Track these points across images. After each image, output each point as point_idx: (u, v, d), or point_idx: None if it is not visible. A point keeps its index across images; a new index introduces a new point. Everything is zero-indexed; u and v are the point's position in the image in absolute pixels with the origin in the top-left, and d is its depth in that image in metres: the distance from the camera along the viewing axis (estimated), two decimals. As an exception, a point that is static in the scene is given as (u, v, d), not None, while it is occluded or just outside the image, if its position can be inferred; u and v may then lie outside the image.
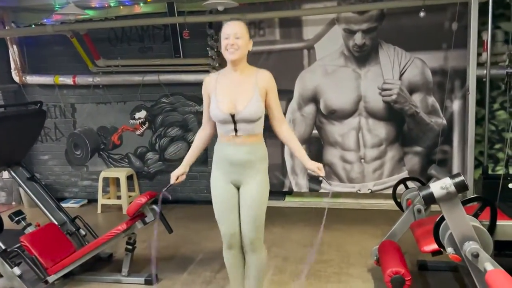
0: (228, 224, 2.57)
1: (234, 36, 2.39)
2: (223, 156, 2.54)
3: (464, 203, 1.97)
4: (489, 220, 2.06)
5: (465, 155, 3.30)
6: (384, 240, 3.13)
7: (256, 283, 2.68)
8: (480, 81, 4.32)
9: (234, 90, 2.47)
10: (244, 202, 2.53)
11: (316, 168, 2.51)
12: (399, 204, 3.38)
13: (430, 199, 1.86)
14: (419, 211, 3.06)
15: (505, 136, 4.58)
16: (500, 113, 4.60)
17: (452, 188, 1.83)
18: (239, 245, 2.61)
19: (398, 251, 2.92)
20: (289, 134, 2.60)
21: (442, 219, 2.01)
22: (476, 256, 1.81)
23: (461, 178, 1.84)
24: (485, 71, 4.12)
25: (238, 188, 2.57)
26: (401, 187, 3.44)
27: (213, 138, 2.71)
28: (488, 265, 1.76)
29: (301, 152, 2.57)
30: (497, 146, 4.59)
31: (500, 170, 4.15)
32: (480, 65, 4.38)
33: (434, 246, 2.57)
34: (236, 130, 2.47)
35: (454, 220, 1.85)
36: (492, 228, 2.04)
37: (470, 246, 1.82)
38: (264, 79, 2.49)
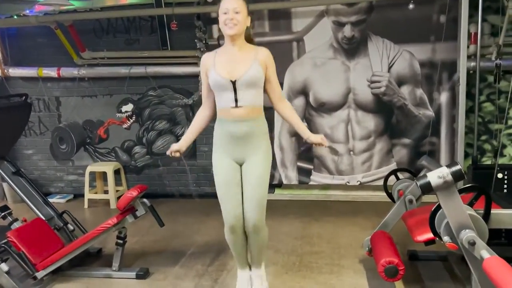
0: (232, 205, 2.53)
1: (233, 10, 2.36)
2: (224, 133, 2.51)
3: (460, 192, 1.99)
4: (484, 209, 2.08)
5: (455, 146, 3.34)
6: (376, 231, 3.15)
7: (258, 257, 2.75)
8: (467, 73, 4.38)
9: (233, 62, 2.44)
10: (247, 180, 2.51)
11: (320, 139, 2.53)
12: (390, 195, 3.41)
13: (427, 188, 1.87)
14: (410, 201, 3.08)
15: (491, 128, 4.66)
16: (487, 105, 4.66)
17: (449, 177, 1.84)
18: (242, 227, 2.59)
19: (391, 241, 2.94)
20: (289, 109, 2.61)
21: (438, 208, 2.03)
22: (472, 244, 1.83)
23: (458, 167, 1.86)
24: (472, 64, 4.18)
25: (241, 166, 2.55)
26: (391, 178, 3.46)
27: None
28: (485, 252, 1.78)
29: (302, 127, 2.59)
30: (484, 137, 4.66)
31: (488, 161, 4.22)
32: (467, 57, 4.44)
33: (428, 236, 2.60)
34: (236, 101, 2.42)
35: (451, 209, 1.87)
36: (486, 217, 2.07)
37: (467, 234, 1.84)
38: (264, 54, 2.48)
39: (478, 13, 4.14)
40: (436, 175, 1.85)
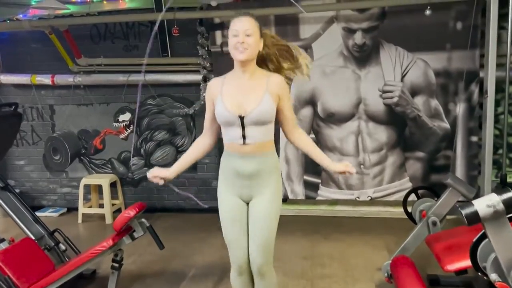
0: (239, 246, 2.28)
1: (244, 33, 2.12)
2: (230, 169, 2.27)
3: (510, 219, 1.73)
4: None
5: (484, 162, 3.08)
6: (397, 256, 2.88)
7: None
8: (483, 83, 4.16)
9: (242, 92, 2.19)
10: (253, 220, 2.26)
11: (344, 167, 2.27)
12: (410, 215, 3.15)
13: (474, 219, 1.61)
14: (434, 223, 2.83)
15: (510, 141, 4.41)
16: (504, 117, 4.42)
17: (501, 206, 1.59)
18: (249, 271, 2.32)
19: (414, 269, 2.67)
20: (306, 139, 2.34)
21: (482, 238, 1.77)
22: (527, 284, 1.57)
23: (511, 194, 1.61)
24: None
25: (248, 203, 2.30)
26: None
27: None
28: (542, 295, 1.52)
29: (322, 157, 2.32)
30: (501, 151, 4.41)
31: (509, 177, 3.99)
32: (483, 66, 4.21)
33: (459, 265, 2.35)
34: (244, 138, 2.19)
35: (501, 243, 1.61)
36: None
37: (520, 273, 1.59)
38: (276, 83, 2.22)
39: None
40: (485, 204, 1.60)
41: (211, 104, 2.28)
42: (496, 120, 4.37)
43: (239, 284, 2.37)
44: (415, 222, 3.08)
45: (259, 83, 2.20)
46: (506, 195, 1.61)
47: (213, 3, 3.85)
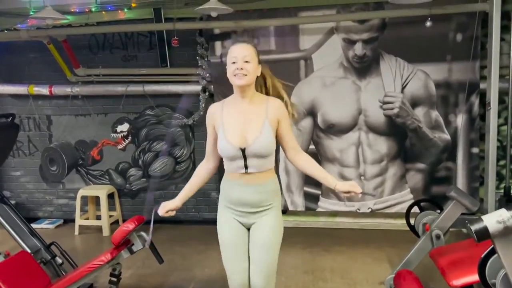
0: (237, 274, 2.24)
1: (243, 59, 2.12)
2: (232, 196, 2.25)
3: None
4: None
5: (487, 173, 3.06)
6: (401, 270, 2.83)
7: None
8: (483, 95, 4.16)
9: (243, 121, 2.18)
10: (254, 246, 2.22)
11: (349, 186, 2.20)
12: (412, 228, 3.10)
13: (484, 235, 1.57)
14: (437, 237, 2.80)
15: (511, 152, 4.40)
16: (505, 128, 4.41)
17: (511, 222, 1.56)
18: None
19: (418, 284, 2.62)
20: (308, 160, 2.29)
21: (490, 254, 1.74)
22: (539, 303, 1.53)
23: (521, 210, 1.57)
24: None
25: (248, 229, 2.26)
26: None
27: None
28: (554, 313, 1.48)
29: (326, 177, 2.26)
30: (502, 162, 4.39)
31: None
32: (483, 78, 4.21)
33: (465, 280, 2.31)
34: (246, 167, 2.18)
35: (511, 259, 1.58)
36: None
37: (531, 291, 1.55)
38: (275, 108, 2.20)
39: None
40: (495, 219, 1.56)
41: (212, 129, 2.27)
42: (497, 132, 4.38)
43: None
44: (418, 235, 3.04)
45: (258, 107, 2.20)
46: (516, 211, 1.58)
47: (213, 14, 3.83)
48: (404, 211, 3.43)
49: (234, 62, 2.14)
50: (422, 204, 3.15)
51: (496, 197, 3.38)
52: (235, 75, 2.14)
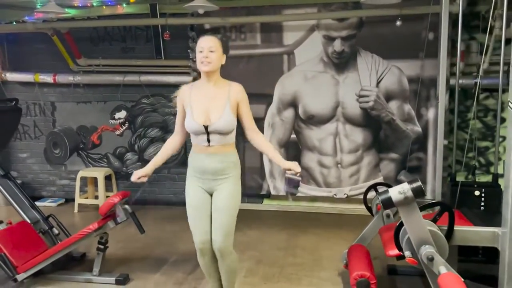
0: (200, 232, 2.61)
1: (208, 49, 2.48)
2: (197, 165, 2.61)
3: (424, 208, 2.02)
4: (448, 225, 2.11)
5: (439, 162, 3.37)
6: (354, 244, 3.17)
7: (229, 283, 2.76)
8: (454, 90, 4.44)
9: (207, 101, 2.54)
10: (214, 209, 2.60)
11: (294, 165, 2.56)
12: (369, 209, 3.44)
13: (388, 203, 1.90)
14: (388, 216, 3.11)
15: (478, 145, 4.69)
16: (474, 121, 4.69)
17: (410, 193, 1.88)
18: (211, 252, 2.65)
19: (366, 255, 2.97)
20: (262, 141, 2.67)
21: (402, 224, 2.06)
22: (431, 259, 1.86)
23: (419, 183, 1.89)
24: (461, 81, 4.26)
25: (211, 194, 2.63)
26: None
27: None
28: (442, 268, 1.81)
29: (277, 157, 2.64)
30: (470, 154, 4.68)
31: (476, 178, 4.27)
32: (453, 74, 4.49)
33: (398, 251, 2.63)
34: (209, 141, 2.54)
35: (412, 225, 1.90)
36: (449, 233, 2.09)
37: (426, 250, 1.87)
38: (236, 92, 2.58)
39: (467, 32, 4.23)
40: (397, 191, 1.89)
41: (182, 108, 2.64)
42: (466, 125, 4.67)
43: (203, 264, 2.73)
44: (373, 215, 3.36)
45: (221, 91, 2.56)
46: (415, 184, 1.91)
47: (200, 11, 4.16)
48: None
49: (201, 52, 2.50)
50: (378, 187, 3.47)
51: (446, 185, 3.71)
52: (201, 62, 2.50)
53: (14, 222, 3.58)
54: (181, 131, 2.71)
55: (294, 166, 2.53)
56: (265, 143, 2.67)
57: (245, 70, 4.83)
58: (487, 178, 4.57)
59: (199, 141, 2.58)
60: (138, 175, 2.67)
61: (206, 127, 2.51)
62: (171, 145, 2.75)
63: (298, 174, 2.54)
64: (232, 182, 2.62)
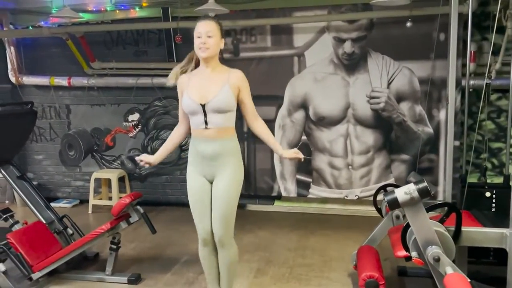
0: (202, 220, 2.62)
1: (206, 34, 2.45)
2: (196, 151, 2.60)
3: (432, 208, 2.03)
4: (455, 226, 2.11)
5: (448, 163, 3.36)
6: (363, 245, 3.18)
7: (227, 279, 2.75)
8: (465, 91, 4.41)
9: (205, 84, 2.52)
10: (214, 197, 2.59)
11: (294, 153, 2.57)
12: (379, 210, 3.43)
13: (394, 204, 1.91)
14: (397, 217, 3.11)
15: (491, 146, 4.65)
16: (487, 123, 4.66)
17: (416, 194, 1.88)
18: (212, 243, 2.66)
19: (375, 256, 2.97)
20: (262, 127, 2.65)
21: (409, 225, 2.07)
22: (437, 260, 1.86)
23: (425, 184, 1.90)
24: (472, 82, 4.24)
25: (211, 182, 2.62)
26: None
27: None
28: (449, 269, 1.82)
29: (275, 144, 2.65)
30: (483, 156, 4.65)
31: (489, 180, 4.24)
32: (465, 75, 4.46)
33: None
34: (206, 123, 2.51)
35: (418, 225, 1.91)
36: (457, 234, 2.09)
37: (432, 251, 1.88)
38: (236, 77, 2.54)
39: (479, 32, 4.20)
40: (403, 191, 1.90)
41: (181, 95, 2.62)
42: (480, 126, 4.63)
43: (203, 255, 2.74)
44: (383, 216, 3.36)
45: (220, 77, 2.53)
46: (421, 185, 1.92)
47: (211, 14, 4.20)
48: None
49: (199, 37, 2.47)
50: (388, 188, 3.46)
51: (456, 186, 3.69)
52: (199, 48, 2.48)
53: (30, 222, 3.67)
54: (184, 120, 2.69)
55: (295, 154, 2.54)
56: (265, 130, 2.65)
57: (256, 72, 4.87)
58: (500, 180, 4.52)
59: (196, 123, 2.54)
60: (143, 158, 2.71)
61: (203, 106, 2.47)
62: (175, 134, 2.76)
63: (302, 159, 2.54)
64: (233, 170, 2.58)
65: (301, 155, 2.55)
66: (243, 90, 2.56)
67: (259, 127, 2.65)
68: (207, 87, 2.51)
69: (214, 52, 2.50)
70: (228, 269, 2.72)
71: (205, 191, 2.61)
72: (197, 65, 2.63)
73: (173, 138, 2.77)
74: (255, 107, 2.65)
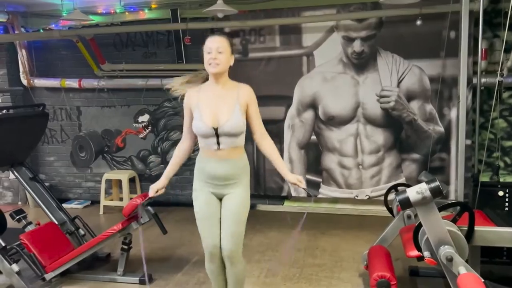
0: (209, 237, 2.57)
1: (216, 50, 2.41)
2: (206, 171, 2.54)
3: (444, 208, 2.01)
4: (468, 226, 2.09)
5: (461, 162, 3.35)
6: (374, 245, 3.16)
7: None
8: (476, 89, 4.36)
9: (216, 103, 2.48)
10: (224, 216, 2.55)
11: (296, 180, 2.53)
12: (390, 210, 3.41)
13: (406, 203, 1.90)
14: (409, 216, 3.09)
15: (504, 145, 4.60)
16: (499, 121, 4.61)
17: (428, 193, 1.87)
18: (220, 258, 2.61)
19: (386, 256, 2.95)
20: (270, 147, 2.60)
21: (421, 224, 2.06)
22: (450, 260, 1.85)
23: (437, 183, 1.88)
24: (483, 80, 4.20)
25: (220, 199, 2.59)
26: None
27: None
28: (462, 269, 1.80)
29: (282, 166, 2.60)
30: (495, 154, 4.60)
31: (501, 178, 4.20)
32: (476, 73, 4.42)
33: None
34: (218, 144, 2.47)
35: (430, 225, 1.89)
36: (469, 233, 2.07)
37: (445, 250, 1.86)
38: (245, 93, 2.52)
39: (490, 29, 4.15)
40: (415, 191, 1.89)
41: (189, 111, 2.57)
42: (492, 125, 4.58)
43: (211, 270, 2.68)
44: (394, 216, 3.34)
45: (230, 94, 2.50)
46: (433, 184, 1.90)
47: (220, 15, 4.23)
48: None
49: (209, 53, 2.43)
50: (399, 188, 3.44)
51: (468, 184, 3.66)
52: (209, 64, 2.44)
53: (42, 223, 3.71)
54: (189, 136, 2.63)
55: (298, 181, 2.50)
56: (273, 150, 2.60)
57: (265, 72, 4.87)
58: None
59: (208, 145, 2.49)
60: (155, 189, 2.65)
61: (215, 130, 2.44)
62: (181, 152, 2.68)
63: (303, 186, 2.53)
64: (243, 189, 2.56)
65: (303, 185, 2.52)
66: (251, 107, 2.53)
67: (269, 148, 2.60)
68: (219, 108, 2.47)
69: (225, 68, 2.47)
70: (235, 283, 2.67)
71: (213, 209, 2.56)
72: (204, 81, 2.60)
73: (179, 156, 2.69)
74: (261, 120, 2.59)
